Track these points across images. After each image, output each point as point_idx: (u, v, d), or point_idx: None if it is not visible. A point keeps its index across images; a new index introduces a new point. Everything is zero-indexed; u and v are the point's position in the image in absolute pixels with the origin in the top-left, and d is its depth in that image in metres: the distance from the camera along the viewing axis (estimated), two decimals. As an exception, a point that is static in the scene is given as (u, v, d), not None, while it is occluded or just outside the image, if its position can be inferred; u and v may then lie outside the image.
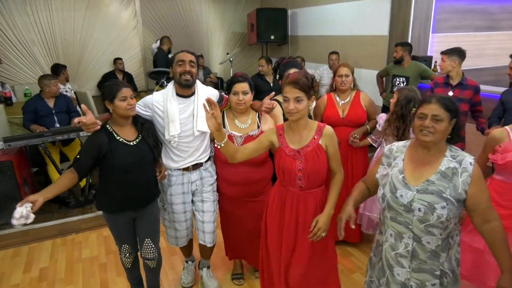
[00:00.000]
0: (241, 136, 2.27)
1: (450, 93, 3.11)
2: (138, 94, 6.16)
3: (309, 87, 1.72)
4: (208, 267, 2.63)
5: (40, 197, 1.75)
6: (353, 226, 1.60)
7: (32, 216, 1.72)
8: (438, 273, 1.49)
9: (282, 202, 1.89)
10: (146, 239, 2.21)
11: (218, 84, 6.40)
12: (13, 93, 5.53)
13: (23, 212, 1.69)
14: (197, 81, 2.26)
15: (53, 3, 6.15)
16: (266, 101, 2.28)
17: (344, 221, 1.61)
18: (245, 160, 1.93)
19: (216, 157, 2.40)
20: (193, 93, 2.23)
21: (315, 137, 1.81)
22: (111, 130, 2.02)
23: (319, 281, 1.95)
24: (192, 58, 2.17)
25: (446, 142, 1.51)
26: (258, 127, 2.32)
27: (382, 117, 2.66)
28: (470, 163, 1.44)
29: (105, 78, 6.18)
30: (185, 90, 2.18)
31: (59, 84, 4.67)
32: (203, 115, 2.12)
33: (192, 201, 2.41)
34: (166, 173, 2.26)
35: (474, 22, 5.23)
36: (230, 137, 2.26)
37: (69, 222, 3.44)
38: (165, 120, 2.17)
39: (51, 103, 3.99)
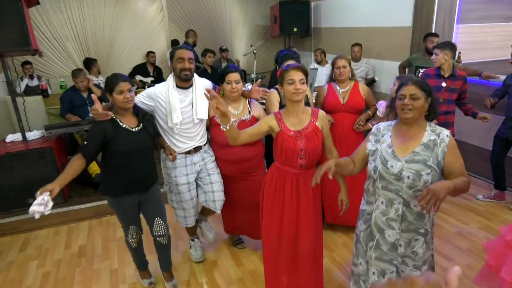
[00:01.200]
0: (235, 121, 2.49)
1: (443, 84, 3.27)
2: (143, 86, 6.23)
3: (307, 73, 1.99)
4: (206, 221, 2.93)
5: (56, 186, 1.86)
6: (330, 177, 1.74)
7: (51, 203, 1.81)
8: (422, 231, 1.74)
9: (281, 184, 2.07)
10: (156, 218, 2.40)
11: (243, 75, 6.48)
12: (48, 85, 5.87)
13: (44, 199, 1.77)
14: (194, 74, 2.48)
15: (85, 0, 6.43)
16: (255, 87, 2.59)
17: (323, 171, 1.75)
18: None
19: (213, 141, 2.66)
20: (191, 85, 2.47)
21: (313, 119, 2.05)
22: (114, 117, 2.17)
23: (318, 246, 2.23)
24: (191, 55, 2.38)
25: (424, 119, 1.75)
26: (249, 112, 2.58)
27: (382, 104, 2.83)
28: (447, 135, 1.70)
29: (136, 70, 6.43)
30: (184, 83, 2.42)
31: (91, 76, 4.95)
32: (201, 104, 2.46)
33: (198, 181, 2.64)
34: (176, 154, 2.43)
35: (502, 12, 5.14)
36: None
37: (104, 204, 3.68)
38: (168, 109, 2.40)
39: (85, 94, 4.24)
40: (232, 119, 2.38)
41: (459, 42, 4.48)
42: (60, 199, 3.63)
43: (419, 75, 4.10)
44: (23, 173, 3.43)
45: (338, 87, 3.05)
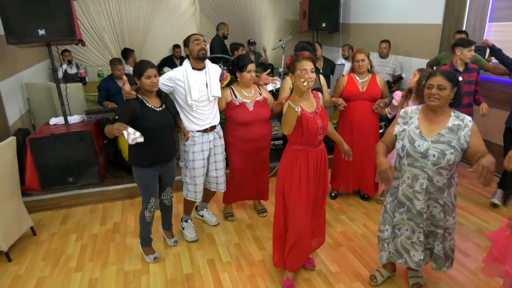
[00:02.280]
0: (251, 102, 2.97)
1: (460, 78, 3.28)
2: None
3: (315, 63, 2.29)
4: (207, 208, 3.39)
5: (123, 123, 2.23)
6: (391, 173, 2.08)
7: (138, 133, 2.22)
8: (441, 202, 2.06)
9: (305, 163, 2.31)
10: (168, 187, 2.84)
11: (271, 68, 6.56)
12: (86, 74, 6.20)
13: (131, 130, 2.19)
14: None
15: (122, -8, 6.72)
16: (264, 76, 3.08)
17: (388, 171, 2.02)
18: (256, 122, 2.92)
19: (233, 121, 3.01)
20: (204, 67, 2.81)
21: (317, 100, 2.34)
22: (141, 98, 2.49)
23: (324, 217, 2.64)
24: (203, 38, 2.77)
25: (449, 106, 1.99)
26: (260, 94, 3.04)
27: (398, 94, 3.07)
28: (470, 120, 1.95)
29: (163, 62, 6.67)
30: (200, 63, 2.77)
31: (127, 66, 5.22)
32: (215, 83, 2.82)
33: (208, 160, 2.99)
34: (189, 135, 2.81)
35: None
36: (243, 104, 2.94)
37: (135, 187, 3.93)
38: (186, 88, 2.73)
39: (120, 83, 4.49)
40: (248, 101, 2.96)
41: (491, 40, 4.41)
42: (97, 180, 3.90)
43: None
44: (65, 154, 3.71)
45: (357, 78, 3.38)
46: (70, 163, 3.76)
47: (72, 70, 6.04)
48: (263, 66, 6.65)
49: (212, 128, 2.92)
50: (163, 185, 2.79)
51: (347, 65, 5.70)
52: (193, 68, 2.76)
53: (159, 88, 2.57)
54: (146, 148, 2.51)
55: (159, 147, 2.57)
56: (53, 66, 3.89)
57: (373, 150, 2.45)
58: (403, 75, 5.25)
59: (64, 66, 5.87)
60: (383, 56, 5.20)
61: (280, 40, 5.82)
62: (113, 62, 4.43)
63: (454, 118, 1.97)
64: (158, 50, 7.18)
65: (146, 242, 2.85)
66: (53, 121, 4.08)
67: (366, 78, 3.36)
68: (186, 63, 2.78)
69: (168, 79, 2.73)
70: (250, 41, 6.71)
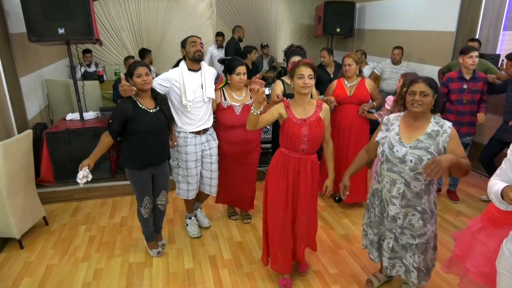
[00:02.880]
0: (240, 105, 2.95)
1: (465, 86, 3.49)
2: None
3: (316, 69, 2.24)
4: (201, 209, 3.36)
5: (91, 162, 2.45)
6: (346, 194, 2.29)
7: (90, 175, 2.43)
8: (419, 208, 2.05)
9: (285, 168, 2.34)
10: (162, 191, 2.81)
11: (281, 72, 6.65)
12: (104, 72, 6.40)
13: (84, 173, 2.39)
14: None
15: (141, -6, 6.91)
16: (255, 79, 2.89)
17: (342, 189, 2.27)
18: (242, 126, 2.60)
19: (220, 123, 3.04)
20: (200, 68, 2.85)
21: (317, 110, 2.31)
22: (135, 99, 2.50)
23: (313, 225, 2.56)
24: (200, 40, 2.80)
25: (430, 112, 2.01)
26: (251, 98, 3.00)
27: (390, 99, 3.09)
28: (449, 126, 1.95)
29: (179, 63, 6.79)
30: (195, 65, 2.81)
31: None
32: (209, 85, 2.85)
33: (202, 161, 3.01)
34: (176, 143, 2.86)
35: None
36: (231, 107, 2.93)
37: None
38: (182, 89, 2.75)
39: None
40: (237, 104, 2.94)
41: (504, 49, 4.38)
42: (108, 175, 4.04)
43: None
44: (79, 148, 3.85)
45: (346, 82, 3.45)
46: (84, 157, 3.82)
47: (91, 69, 6.25)
48: (275, 69, 6.72)
49: (205, 130, 2.95)
50: (157, 189, 2.78)
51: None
52: (189, 69, 2.81)
53: (155, 90, 2.62)
54: (138, 150, 2.55)
55: (151, 149, 2.58)
56: (71, 64, 4.05)
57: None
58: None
59: (83, 65, 6.08)
60: (395, 62, 5.19)
61: (292, 44, 5.86)
62: (128, 59, 4.59)
63: (434, 124, 1.98)
64: (175, 51, 7.32)
65: (149, 237, 2.93)
66: (69, 116, 4.25)
67: (355, 82, 3.41)
68: (182, 64, 2.83)
69: (165, 80, 2.78)
70: (263, 44, 6.80)
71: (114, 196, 3.93)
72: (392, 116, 2.15)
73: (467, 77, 3.50)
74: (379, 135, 2.15)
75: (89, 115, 4.26)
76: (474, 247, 1.95)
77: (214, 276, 2.70)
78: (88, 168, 2.43)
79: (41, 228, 3.33)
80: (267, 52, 6.84)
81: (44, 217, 3.38)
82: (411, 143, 1.97)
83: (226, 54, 6.43)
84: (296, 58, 2.96)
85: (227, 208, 3.56)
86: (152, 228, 2.91)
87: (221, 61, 5.67)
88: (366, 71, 5.71)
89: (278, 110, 2.30)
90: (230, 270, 2.76)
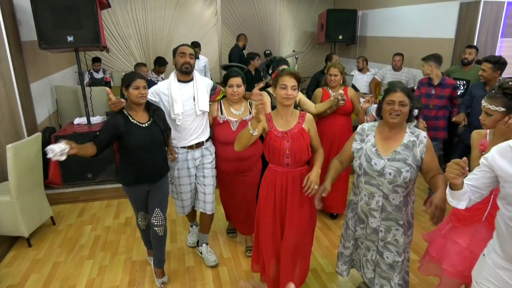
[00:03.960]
0: (236, 121, 2.69)
1: (433, 91, 3.61)
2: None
3: (300, 80, 2.10)
4: (207, 244, 2.98)
5: (76, 148, 1.99)
6: (325, 195, 1.97)
7: (64, 157, 1.91)
8: (401, 222, 1.97)
9: (273, 183, 2.20)
10: (156, 209, 2.51)
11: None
12: (111, 78, 6.58)
13: (64, 149, 1.89)
14: (195, 70, 2.67)
15: (148, 2, 7.10)
16: (255, 91, 2.69)
17: (320, 193, 1.98)
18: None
19: (215, 139, 2.80)
20: (191, 79, 2.65)
21: (300, 121, 2.16)
22: (126, 114, 2.32)
23: (303, 245, 2.26)
24: (191, 51, 2.58)
25: (405, 122, 1.94)
26: (250, 113, 2.75)
27: (376, 106, 3.04)
28: (424, 136, 1.90)
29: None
30: (185, 76, 2.62)
31: (152, 73, 5.52)
32: (203, 97, 2.63)
33: (195, 176, 2.80)
34: (176, 156, 2.65)
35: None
36: (227, 122, 2.67)
37: (149, 185, 4.17)
38: (170, 101, 2.58)
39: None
40: (234, 119, 2.69)
41: (502, 55, 4.43)
42: (114, 177, 4.15)
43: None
44: (86, 151, 3.99)
45: (330, 91, 3.34)
46: (90, 160, 3.99)
47: (99, 75, 6.43)
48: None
49: (199, 144, 2.72)
50: (151, 206, 2.52)
51: (361, 77, 5.82)
52: (179, 80, 2.62)
53: (148, 102, 2.42)
54: (131, 167, 2.38)
55: (144, 165, 2.38)
56: (80, 70, 4.21)
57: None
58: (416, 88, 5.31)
59: (93, 73, 6.26)
60: (396, 68, 5.28)
61: (293, 51, 6.00)
62: (138, 65, 4.74)
63: (410, 135, 1.92)
64: (180, 58, 7.49)
65: (147, 245, 2.86)
66: (77, 121, 4.39)
67: (339, 92, 3.24)
68: (172, 75, 2.65)
69: (153, 93, 2.60)
70: (266, 52, 6.94)
71: (119, 198, 4.04)
72: (366, 125, 2.07)
73: (435, 83, 3.60)
74: (354, 145, 2.05)
75: (96, 119, 4.40)
76: (447, 247, 2.01)
77: (213, 273, 2.79)
78: (69, 151, 1.94)
79: (48, 228, 3.45)
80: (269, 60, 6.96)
81: (51, 217, 3.50)
82: (388, 155, 1.90)
83: (230, 60, 6.57)
84: (284, 67, 2.85)
85: (228, 225, 3.38)
86: (150, 236, 2.69)
87: (224, 67, 5.81)
88: (367, 77, 5.81)
89: (261, 124, 2.12)
90: (229, 268, 2.84)
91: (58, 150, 1.89)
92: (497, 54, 4.47)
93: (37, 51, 3.87)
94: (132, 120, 2.32)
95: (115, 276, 2.78)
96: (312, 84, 5.01)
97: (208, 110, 2.69)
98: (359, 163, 1.99)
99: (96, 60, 6.41)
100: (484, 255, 1.56)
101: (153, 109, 2.43)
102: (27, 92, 4.01)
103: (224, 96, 2.78)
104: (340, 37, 6.82)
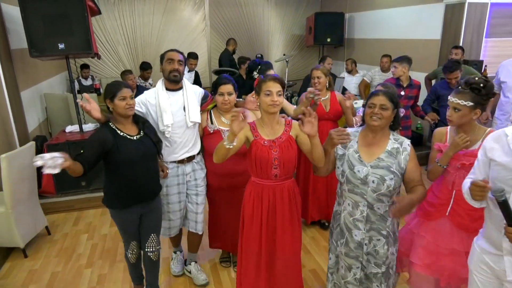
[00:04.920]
0: (228, 130, 2.29)
1: (402, 93, 3.74)
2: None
3: (285, 85, 2.01)
4: (196, 262, 2.79)
5: (69, 161, 1.82)
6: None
7: (57, 170, 1.76)
8: (384, 232, 1.88)
9: (259, 198, 2.04)
10: (152, 234, 2.33)
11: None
12: (100, 85, 6.53)
13: (58, 161, 1.74)
14: (184, 78, 2.51)
15: (136, 8, 7.09)
16: (250, 98, 2.57)
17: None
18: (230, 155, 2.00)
19: (206, 151, 2.63)
20: (180, 88, 2.47)
21: (286, 129, 2.03)
22: (113, 127, 2.10)
23: (294, 262, 2.17)
24: (180, 57, 2.39)
25: (389, 129, 1.88)
26: None
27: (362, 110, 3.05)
28: (408, 144, 1.85)
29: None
30: (173, 84, 2.43)
31: (139, 78, 5.50)
32: (194, 107, 2.44)
33: (186, 193, 2.60)
34: (168, 171, 2.47)
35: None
36: (218, 132, 2.50)
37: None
38: (158, 112, 2.37)
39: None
40: (225, 129, 2.49)
41: (487, 55, 4.58)
42: (108, 184, 4.13)
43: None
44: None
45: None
46: (84, 168, 4.00)
47: (87, 82, 6.38)
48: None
49: (190, 158, 2.54)
50: (145, 232, 2.32)
51: (351, 79, 5.91)
52: (167, 89, 2.43)
53: (135, 113, 2.19)
54: (123, 186, 2.14)
55: (138, 183, 2.16)
56: (71, 78, 4.18)
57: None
58: (404, 88, 5.42)
59: (82, 80, 6.22)
60: (384, 70, 5.38)
61: (284, 54, 6.06)
62: (125, 73, 4.74)
63: (393, 141, 1.86)
64: (169, 63, 7.48)
65: (135, 280, 2.54)
66: (68, 128, 4.35)
67: (327, 96, 3.15)
68: (160, 83, 2.45)
69: (139, 103, 2.37)
70: (257, 55, 6.98)
71: (114, 205, 4.01)
72: (349, 130, 1.96)
73: (404, 84, 3.73)
74: (337, 151, 1.96)
75: (88, 127, 4.37)
76: (414, 241, 2.09)
77: (214, 278, 2.79)
78: (63, 164, 1.77)
79: (44, 238, 3.40)
80: (260, 63, 7.00)
81: (46, 227, 3.45)
82: (372, 161, 1.83)
83: (220, 65, 6.60)
84: (271, 72, 2.68)
85: (221, 252, 3.04)
86: (141, 271, 2.53)
87: (215, 72, 5.80)
88: (357, 79, 5.90)
89: (244, 133, 1.98)
90: (228, 271, 2.85)
91: (49, 157, 1.73)
92: (482, 53, 4.61)
93: (26, 59, 3.84)
94: (121, 133, 2.10)
95: (115, 284, 2.76)
96: (304, 86, 5.07)
97: (199, 121, 2.51)
98: (342, 170, 1.90)
99: (85, 66, 6.36)
100: (474, 242, 1.66)
101: (142, 121, 2.23)
102: (17, 101, 3.96)
103: (215, 105, 2.61)
104: (328, 39, 6.93)
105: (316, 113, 1.89)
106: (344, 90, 5.22)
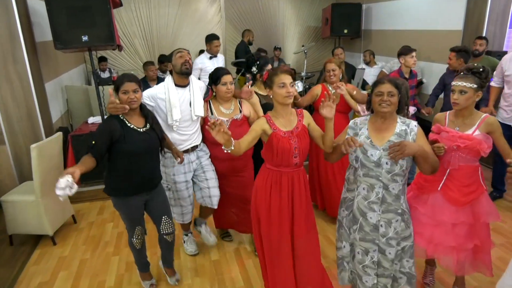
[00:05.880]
0: (227, 120, 2.65)
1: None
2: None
3: (295, 76, 2.12)
4: (206, 224, 2.98)
5: (77, 170, 1.86)
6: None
7: (76, 186, 1.79)
8: (400, 211, 2.00)
9: (278, 186, 2.11)
10: (164, 217, 2.45)
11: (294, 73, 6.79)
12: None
13: (68, 181, 1.76)
14: (192, 75, 2.66)
15: (152, 0, 7.11)
16: (245, 89, 2.69)
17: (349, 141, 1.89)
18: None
19: (206, 139, 2.80)
20: (188, 83, 2.63)
21: (300, 119, 2.13)
22: (122, 118, 2.17)
23: (313, 242, 2.23)
24: (188, 52, 2.59)
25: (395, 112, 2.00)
26: (240, 111, 2.72)
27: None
28: (415, 125, 1.98)
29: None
30: (183, 79, 2.58)
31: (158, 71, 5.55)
32: (198, 102, 2.61)
33: (194, 179, 2.78)
34: (183, 156, 2.56)
35: None
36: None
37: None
38: (167, 107, 2.53)
39: (152, 85, 4.81)
40: (224, 118, 2.65)
41: (511, 46, 4.49)
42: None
43: None
44: (102, 150, 4.03)
45: (330, 88, 3.24)
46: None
47: (105, 74, 6.44)
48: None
49: (194, 148, 2.72)
50: (156, 215, 2.45)
51: (369, 70, 5.86)
52: (176, 85, 2.58)
53: (145, 107, 2.32)
54: (127, 175, 2.22)
55: (141, 173, 2.25)
56: (94, 70, 4.22)
57: (345, 166, 2.27)
58: (424, 80, 5.36)
59: (100, 72, 6.29)
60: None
61: (303, 46, 6.04)
62: (147, 64, 4.79)
63: (401, 124, 1.98)
64: (185, 55, 7.50)
65: (141, 267, 2.64)
66: (91, 120, 4.43)
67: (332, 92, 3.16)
68: (169, 79, 2.60)
69: (149, 97, 2.54)
70: (276, 46, 6.96)
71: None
72: (358, 120, 2.10)
73: (407, 76, 3.78)
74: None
75: (110, 118, 4.43)
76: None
77: (240, 267, 2.84)
78: (73, 178, 1.80)
79: (70, 226, 3.50)
80: (278, 55, 6.99)
81: (72, 216, 3.54)
82: (383, 144, 1.94)
83: (236, 58, 6.59)
84: (269, 67, 2.80)
85: (220, 230, 3.27)
86: (146, 258, 2.65)
87: (234, 63, 5.81)
88: (375, 70, 5.85)
89: (261, 127, 2.06)
90: (254, 261, 2.89)
91: (64, 184, 1.75)
92: (505, 44, 4.52)
93: (49, 51, 3.90)
94: (129, 124, 2.18)
95: (143, 271, 2.82)
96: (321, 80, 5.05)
97: (203, 115, 2.67)
98: (355, 156, 1.99)
99: (103, 59, 6.42)
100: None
101: (151, 116, 2.32)
102: (43, 93, 4.04)
103: (214, 96, 2.76)
104: (345, 31, 6.86)
105: (334, 98, 2.01)
106: (364, 83, 5.20)
